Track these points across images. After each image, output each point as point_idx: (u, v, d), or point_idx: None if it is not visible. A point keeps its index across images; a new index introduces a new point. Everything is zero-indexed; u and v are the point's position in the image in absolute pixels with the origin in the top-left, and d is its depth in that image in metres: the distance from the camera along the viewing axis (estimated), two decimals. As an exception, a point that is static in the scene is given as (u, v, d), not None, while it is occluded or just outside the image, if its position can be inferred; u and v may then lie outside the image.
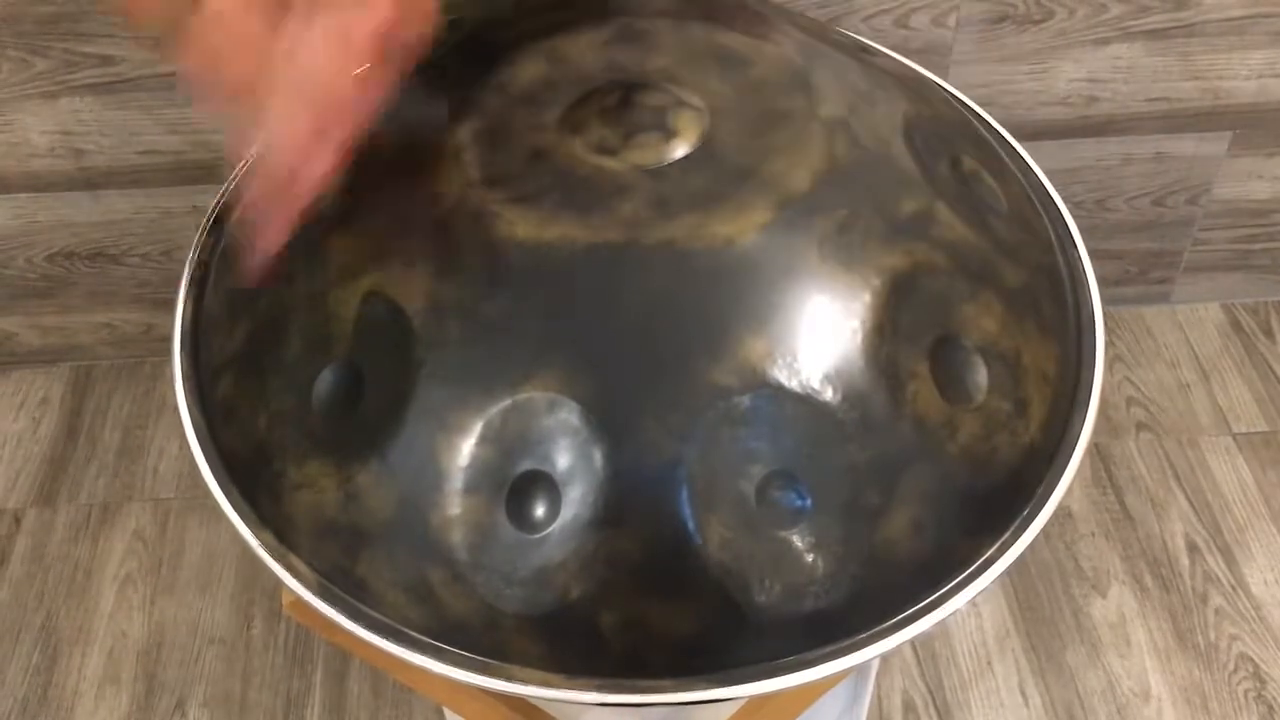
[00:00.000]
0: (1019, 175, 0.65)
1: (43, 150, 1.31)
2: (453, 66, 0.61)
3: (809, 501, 0.49)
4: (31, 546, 1.33)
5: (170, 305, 0.60)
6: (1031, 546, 0.53)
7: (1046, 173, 0.66)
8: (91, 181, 1.34)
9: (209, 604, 1.28)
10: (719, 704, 0.50)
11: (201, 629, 1.26)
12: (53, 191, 1.35)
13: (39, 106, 1.27)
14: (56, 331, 1.48)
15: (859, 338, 0.51)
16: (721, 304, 0.50)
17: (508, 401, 0.49)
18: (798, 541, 0.49)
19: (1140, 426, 1.41)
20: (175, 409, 1.28)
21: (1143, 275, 1.51)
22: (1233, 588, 1.27)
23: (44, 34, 1.22)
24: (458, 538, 0.49)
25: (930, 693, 1.20)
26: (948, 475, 0.51)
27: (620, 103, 0.56)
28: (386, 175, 0.55)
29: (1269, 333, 1.51)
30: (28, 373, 1.50)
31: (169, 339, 0.59)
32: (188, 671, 1.23)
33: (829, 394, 0.50)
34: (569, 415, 0.49)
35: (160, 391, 1.47)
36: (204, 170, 1.33)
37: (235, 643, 1.25)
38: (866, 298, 0.51)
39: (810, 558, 0.49)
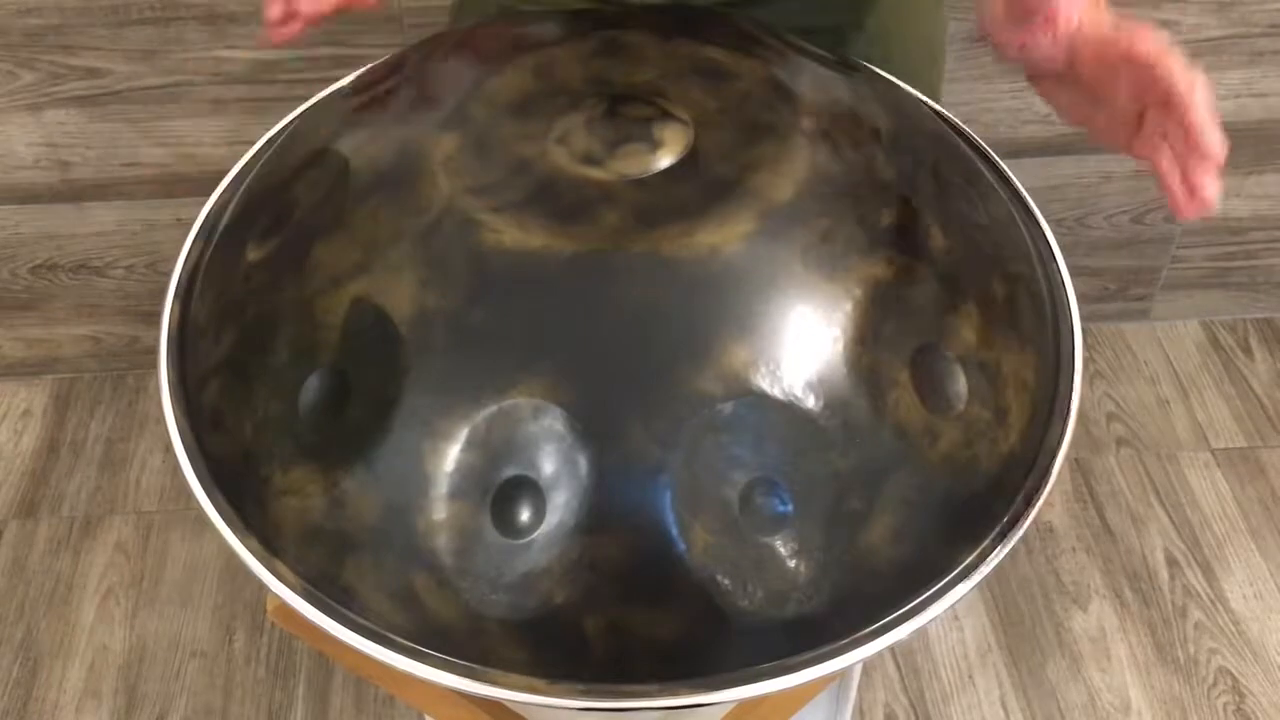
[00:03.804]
0: (999, 190, 0.66)
1: (28, 162, 1.31)
2: (440, 77, 0.61)
3: (791, 508, 0.50)
4: (12, 559, 1.33)
5: (155, 318, 0.60)
6: (1012, 560, 0.53)
7: (1027, 190, 0.67)
8: (76, 194, 1.34)
9: (191, 617, 1.28)
10: (703, 709, 0.51)
11: (183, 642, 1.26)
12: (37, 203, 1.35)
13: (24, 118, 1.28)
14: (40, 344, 1.48)
15: (841, 346, 0.51)
16: (705, 312, 0.51)
17: (493, 408, 0.50)
18: (780, 547, 0.50)
19: (1120, 442, 1.42)
20: (159, 422, 1.28)
21: (1122, 292, 1.52)
22: (1212, 602, 1.28)
23: (30, 46, 1.23)
24: (443, 543, 0.49)
25: (912, 705, 1.20)
26: (928, 482, 0.52)
27: (606, 114, 0.57)
28: (375, 184, 0.56)
29: (1247, 350, 1.52)
30: (10, 384, 1.50)
31: (153, 351, 0.59)
32: (169, 685, 1.22)
33: (811, 401, 0.50)
34: (554, 421, 0.49)
35: (143, 405, 1.47)
36: (188, 183, 1.33)
37: (217, 656, 1.25)
38: (848, 307, 0.52)
39: (793, 563, 0.50)
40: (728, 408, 0.49)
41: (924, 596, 0.52)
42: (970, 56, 1.27)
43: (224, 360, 0.56)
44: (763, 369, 0.50)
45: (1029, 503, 0.54)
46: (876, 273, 0.53)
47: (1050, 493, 0.55)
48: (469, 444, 0.49)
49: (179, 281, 0.61)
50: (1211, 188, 0.51)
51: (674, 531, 0.49)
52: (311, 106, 0.67)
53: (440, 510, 0.49)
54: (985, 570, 0.52)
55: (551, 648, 0.49)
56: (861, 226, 0.54)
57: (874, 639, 0.50)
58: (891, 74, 0.68)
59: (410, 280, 0.52)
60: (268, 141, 0.67)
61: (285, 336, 0.54)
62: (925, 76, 0.78)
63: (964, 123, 0.69)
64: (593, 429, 0.49)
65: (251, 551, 0.52)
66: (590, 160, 0.55)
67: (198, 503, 0.54)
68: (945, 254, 0.56)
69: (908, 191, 0.57)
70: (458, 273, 0.52)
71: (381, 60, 0.67)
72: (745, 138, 0.56)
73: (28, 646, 1.26)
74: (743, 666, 0.50)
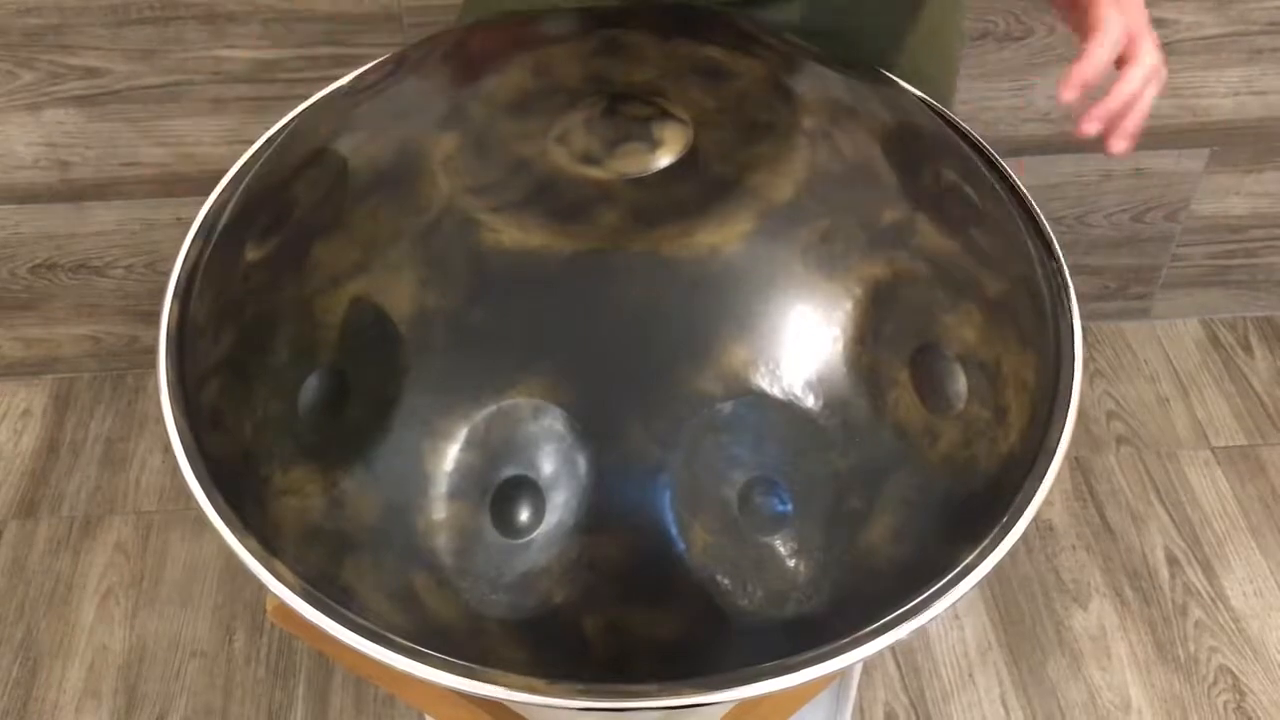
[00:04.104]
0: (999, 189, 0.66)
1: (27, 162, 1.31)
2: (440, 76, 0.61)
3: (791, 507, 0.50)
4: (12, 559, 1.33)
5: (155, 318, 0.60)
6: (1012, 558, 0.53)
7: (1027, 188, 0.67)
8: (76, 193, 1.34)
9: (190, 617, 1.28)
10: (702, 709, 0.50)
11: (183, 642, 1.26)
12: (37, 203, 1.35)
13: (24, 118, 1.27)
14: (39, 343, 1.47)
15: (841, 346, 0.51)
16: (705, 312, 0.51)
17: (493, 407, 0.50)
18: (780, 547, 0.50)
19: (1120, 440, 1.42)
20: (159, 422, 1.27)
21: (1122, 291, 1.52)
22: (1212, 600, 1.28)
23: (30, 46, 1.23)
24: (442, 543, 0.49)
25: (912, 704, 1.20)
26: (928, 482, 0.52)
27: (605, 113, 0.57)
28: (374, 183, 0.56)
29: (1247, 348, 1.52)
30: (9, 384, 1.49)
31: (152, 351, 0.59)
32: (169, 685, 1.22)
33: (811, 401, 0.50)
34: (553, 421, 0.49)
35: (143, 404, 1.47)
36: (189, 182, 1.33)
37: (217, 656, 1.25)
38: (848, 306, 0.52)
39: (792, 563, 0.50)
40: (727, 407, 0.49)
41: (924, 596, 0.51)
42: (970, 55, 1.27)
43: (223, 360, 0.56)
44: (762, 368, 0.50)
45: (1028, 502, 0.54)
46: (876, 272, 0.53)
47: (1050, 492, 0.55)
48: (468, 444, 0.49)
49: (178, 281, 0.61)
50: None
51: (674, 531, 0.49)
52: (311, 106, 0.67)
53: (440, 510, 0.49)
54: (985, 570, 0.52)
55: (551, 647, 0.49)
56: (861, 226, 0.54)
57: (874, 639, 0.50)
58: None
59: (410, 280, 0.52)
60: (267, 141, 0.67)
61: (284, 336, 0.54)
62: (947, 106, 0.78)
63: (964, 121, 0.69)
64: (592, 429, 0.49)
65: (251, 552, 0.52)
66: (589, 160, 0.55)
67: (197, 503, 0.54)
68: (945, 253, 0.56)
69: (907, 190, 0.57)
70: (457, 272, 0.52)
71: (381, 59, 0.67)
72: (745, 137, 0.56)
73: (27, 646, 1.26)
74: (743, 666, 0.50)
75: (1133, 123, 0.62)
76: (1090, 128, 0.61)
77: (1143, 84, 0.61)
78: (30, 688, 1.22)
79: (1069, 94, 0.60)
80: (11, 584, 1.31)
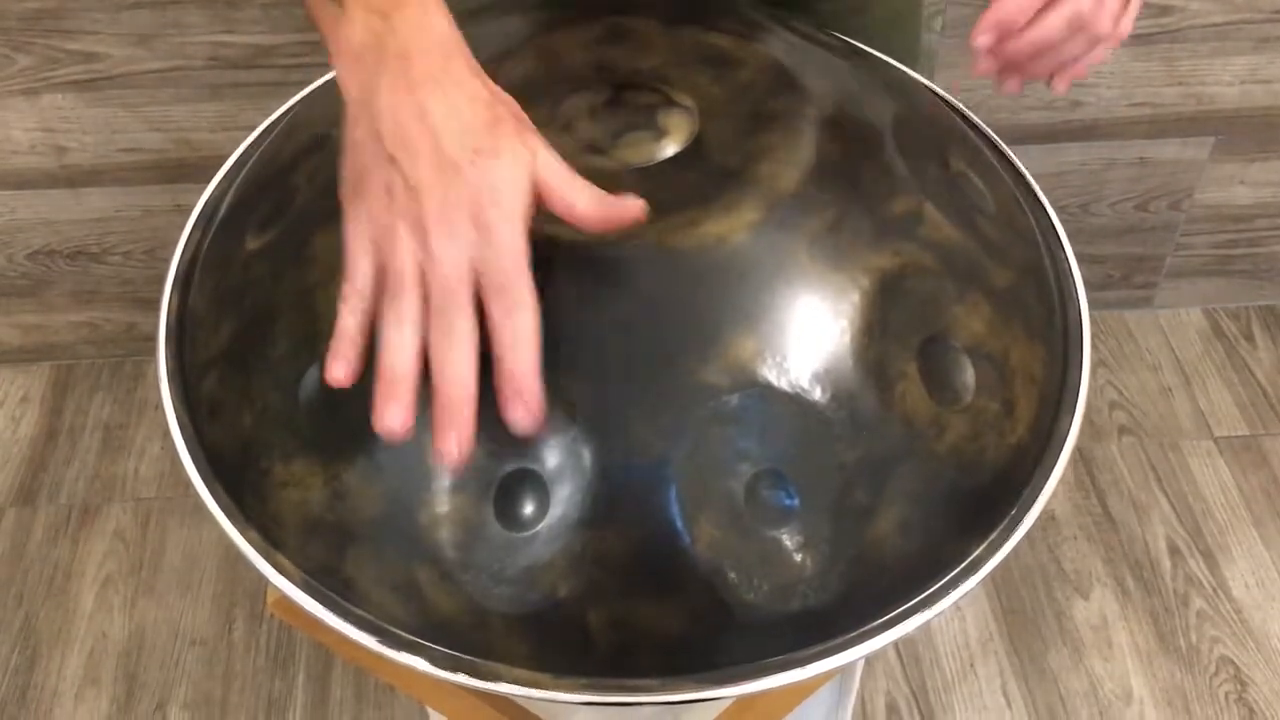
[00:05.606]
0: (1006, 178, 0.65)
1: (24, 147, 1.30)
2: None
3: (797, 501, 0.49)
4: (11, 547, 1.32)
5: (153, 304, 0.59)
6: (1015, 548, 0.53)
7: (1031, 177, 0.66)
8: (73, 179, 1.33)
9: (190, 605, 1.27)
10: (706, 703, 0.50)
11: (182, 630, 1.25)
12: (34, 189, 1.34)
13: (21, 103, 1.27)
14: (37, 330, 1.47)
15: (848, 337, 0.51)
16: (710, 303, 0.50)
17: (496, 400, 0.49)
18: (786, 540, 0.49)
19: (1122, 430, 1.42)
20: (157, 409, 1.27)
21: (1125, 279, 1.51)
22: (1214, 590, 1.28)
23: (26, 30, 1.22)
24: (445, 536, 0.49)
25: (914, 695, 1.20)
26: (936, 475, 0.51)
27: (610, 101, 0.56)
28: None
29: (1250, 337, 1.52)
30: (7, 371, 1.49)
31: (151, 338, 0.58)
32: (168, 673, 1.22)
33: (818, 393, 0.50)
34: (557, 414, 0.49)
35: (142, 392, 1.47)
36: (187, 168, 1.33)
37: (217, 644, 1.24)
38: (855, 297, 0.51)
39: (798, 557, 0.49)
40: (733, 400, 0.49)
41: (932, 589, 0.51)
42: (974, 42, 1.26)
43: (223, 351, 0.55)
44: (769, 360, 0.49)
45: (1037, 495, 0.53)
46: (884, 263, 0.53)
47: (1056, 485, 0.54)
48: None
49: (177, 270, 0.61)
50: None
51: (679, 525, 0.48)
52: (311, 92, 0.67)
53: (442, 503, 0.49)
54: (993, 563, 0.52)
55: (555, 641, 0.49)
56: (868, 216, 0.54)
57: (882, 633, 0.50)
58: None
59: (412, 270, 0.51)
60: (267, 128, 0.66)
61: (285, 327, 0.53)
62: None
63: (967, 108, 0.69)
64: (596, 421, 0.48)
65: (252, 544, 0.52)
66: (594, 149, 0.54)
67: (197, 493, 0.53)
68: (953, 243, 0.56)
69: (915, 180, 0.57)
70: (460, 262, 0.51)
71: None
72: (751, 126, 0.56)
73: (26, 634, 1.25)
74: (748, 661, 0.49)
75: (1043, 68, 0.57)
76: (983, 65, 0.57)
77: (1063, 31, 0.56)
78: (30, 675, 1.22)
79: (981, 39, 0.56)
80: (10, 572, 1.30)
